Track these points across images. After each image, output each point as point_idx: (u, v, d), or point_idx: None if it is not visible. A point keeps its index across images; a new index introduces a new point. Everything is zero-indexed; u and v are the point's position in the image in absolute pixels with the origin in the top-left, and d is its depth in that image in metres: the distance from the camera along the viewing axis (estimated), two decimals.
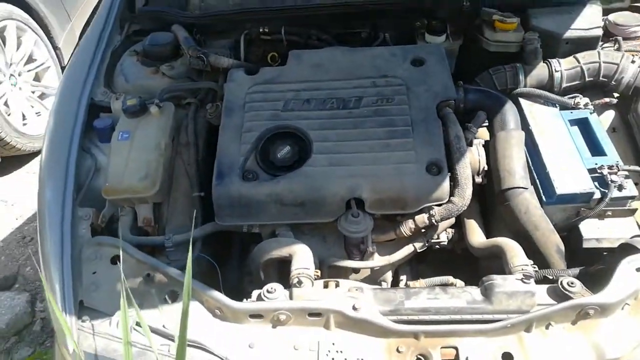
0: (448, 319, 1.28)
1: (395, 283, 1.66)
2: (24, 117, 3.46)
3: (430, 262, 1.73)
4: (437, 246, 1.63)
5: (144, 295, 1.36)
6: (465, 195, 1.45)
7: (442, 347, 1.24)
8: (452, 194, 1.47)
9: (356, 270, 1.58)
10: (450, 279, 1.52)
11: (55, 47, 3.78)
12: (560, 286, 1.28)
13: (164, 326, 1.30)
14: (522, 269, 1.32)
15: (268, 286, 1.33)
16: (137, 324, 1.32)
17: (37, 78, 3.69)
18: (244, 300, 1.34)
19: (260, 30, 1.95)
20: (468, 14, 1.90)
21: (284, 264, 1.52)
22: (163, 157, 1.58)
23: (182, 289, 1.35)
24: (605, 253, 1.46)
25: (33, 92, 3.61)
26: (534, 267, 1.35)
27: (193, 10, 2.03)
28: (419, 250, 1.58)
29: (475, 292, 1.32)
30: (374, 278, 1.61)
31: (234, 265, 1.77)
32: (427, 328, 1.25)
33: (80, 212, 1.51)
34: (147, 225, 1.59)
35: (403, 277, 1.69)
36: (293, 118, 1.59)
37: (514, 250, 1.38)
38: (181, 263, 1.52)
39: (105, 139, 1.69)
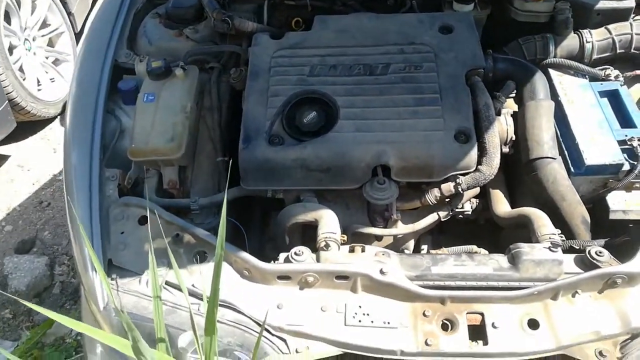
0: (474, 286, 1.29)
1: (416, 252, 1.67)
2: (38, 83, 3.45)
3: (451, 233, 1.73)
4: (461, 216, 1.63)
5: (172, 255, 1.37)
6: (493, 164, 1.44)
7: (467, 313, 1.26)
8: (479, 162, 1.46)
9: (379, 238, 1.59)
10: (474, 248, 1.53)
11: (69, 13, 3.74)
12: (588, 255, 1.28)
13: (193, 285, 1.31)
14: (550, 238, 1.32)
15: (296, 249, 1.34)
16: (167, 283, 1.34)
17: (50, 44, 3.66)
18: (272, 262, 1.35)
19: None
20: None
21: (308, 229, 1.53)
22: (188, 120, 1.58)
23: (210, 250, 1.37)
24: (631, 225, 1.45)
25: (47, 58, 3.59)
26: (561, 237, 1.35)
27: None
28: (442, 219, 1.58)
29: (502, 259, 1.32)
30: (396, 246, 1.61)
31: (255, 231, 1.78)
32: (453, 293, 1.26)
33: (107, 172, 1.51)
34: (172, 187, 1.60)
35: (424, 247, 1.70)
36: (319, 83, 1.58)
37: (541, 220, 1.38)
38: (206, 226, 1.54)
39: (129, 100, 1.68)
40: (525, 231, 1.45)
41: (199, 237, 1.38)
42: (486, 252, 1.51)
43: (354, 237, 1.56)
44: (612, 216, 1.44)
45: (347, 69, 1.61)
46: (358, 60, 1.62)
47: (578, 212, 1.45)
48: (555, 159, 1.45)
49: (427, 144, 1.44)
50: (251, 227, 1.78)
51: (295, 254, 1.33)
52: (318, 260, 1.33)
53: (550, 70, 1.67)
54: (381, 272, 1.27)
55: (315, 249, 1.36)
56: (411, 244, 1.65)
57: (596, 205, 1.50)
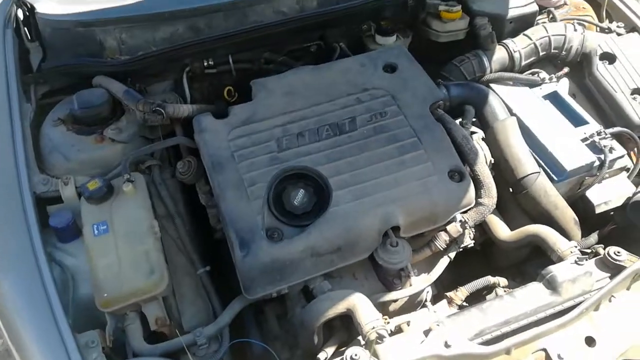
0: (528, 323, 1.28)
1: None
2: None
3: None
4: (461, 248, 1.61)
5: None
6: (492, 194, 1.45)
7: (532, 353, 1.24)
8: (477, 195, 1.45)
9: (395, 300, 1.50)
10: (490, 279, 1.52)
11: None
12: (608, 257, 1.34)
13: None
14: (572, 252, 1.36)
15: (350, 352, 1.19)
16: None
17: None
18: None
19: (205, 64, 1.70)
20: (413, 9, 1.88)
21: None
22: (159, 242, 1.32)
23: None
24: (611, 213, 1.57)
25: None
26: (577, 247, 1.40)
27: (113, 56, 1.70)
28: (452, 259, 1.55)
29: (539, 287, 1.33)
30: (412, 301, 1.54)
31: (254, 336, 1.56)
32: (514, 340, 1.23)
33: (81, 339, 1.19)
34: (161, 326, 1.32)
35: (428, 289, 1.65)
36: (293, 157, 1.43)
37: (552, 236, 1.42)
38: (218, 355, 1.30)
39: (68, 237, 1.36)
40: (524, 249, 1.49)
41: None
42: (504, 280, 1.52)
43: None
44: (598, 210, 1.55)
45: (314, 133, 1.48)
46: (321, 121, 1.51)
47: (569, 216, 1.52)
48: (539, 172, 1.50)
49: (428, 192, 1.39)
50: (246, 329, 1.56)
51: (352, 358, 1.18)
52: (377, 356, 1.19)
53: (493, 86, 1.73)
54: (446, 345, 1.19)
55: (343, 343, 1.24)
56: (425, 292, 1.59)
57: (578, 204, 1.59)
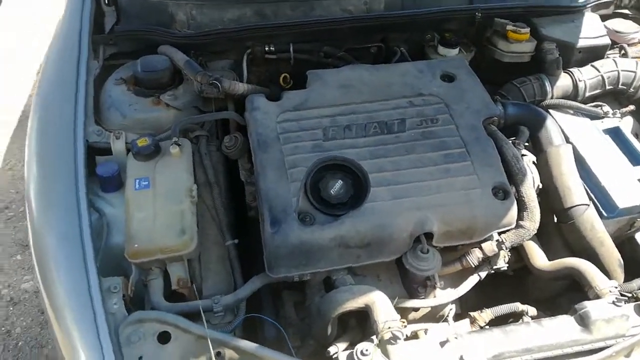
0: (551, 356, 1.21)
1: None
2: None
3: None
4: (493, 270, 1.56)
5: None
6: (535, 218, 1.39)
7: None
8: (519, 217, 1.40)
9: (416, 309, 1.46)
10: (518, 306, 1.46)
11: None
12: None
13: None
14: (611, 292, 1.29)
15: (361, 347, 1.17)
16: None
17: None
18: None
19: (266, 49, 1.74)
20: (479, 25, 1.86)
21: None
22: (195, 205, 1.34)
23: None
24: None
25: None
26: (617, 288, 1.33)
27: (181, 29, 1.76)
28: (482, 279, 1.50)
29: (569, 321, 1.27)
30: (434, 314, 1.50)
31: (268, 316, 1.56)
32: None
33: (105, 283, 1.22)
34: (182, 287, 1.34)
35: (452, 307, 1.60)
36: (337, 147, 1.43)
37: (593, 272, 1.35)
38: (228, 327, 1.31)
39: (111, 188, 1.40)
40: (561, 282, 1.42)
41: (245, 351, 1.15)
42: (534, 310, 1.45)
43: None
44: None
45: (362, 128, 1.48)
46: (370, 117, 1.51)
47: (615, 256, 1.44)
48: (588, 205, 1.44)
49: (469, 204, 1.36)
50: (263, 311, 1.56)
51: (362, 353, 1.16)
52: (387, 356, 1.17)
53: (552, 112, 1.68)
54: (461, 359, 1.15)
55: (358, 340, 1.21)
56: (447, 308, 1.54)
57: (624, 245, 1.51)
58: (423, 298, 1.44)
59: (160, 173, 1.37)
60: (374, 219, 1.32)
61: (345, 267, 1.38)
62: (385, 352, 1.17)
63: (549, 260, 1.49)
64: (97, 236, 1.33)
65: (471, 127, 1.50)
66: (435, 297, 1.45)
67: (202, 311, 1.22)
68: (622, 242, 1.52)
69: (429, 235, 1.36)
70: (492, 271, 1.49)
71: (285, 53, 1.77)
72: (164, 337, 1.18)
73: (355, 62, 1.76)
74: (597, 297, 1.31)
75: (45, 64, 1.65)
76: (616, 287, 1.32)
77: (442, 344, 1.20)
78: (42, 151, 1.42)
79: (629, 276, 1.49)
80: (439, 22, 1.86)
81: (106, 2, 1.81)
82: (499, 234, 1.42)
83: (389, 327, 1.19)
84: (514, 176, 1.42)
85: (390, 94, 1.57)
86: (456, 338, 1.21)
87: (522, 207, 1.41)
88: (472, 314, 1.50)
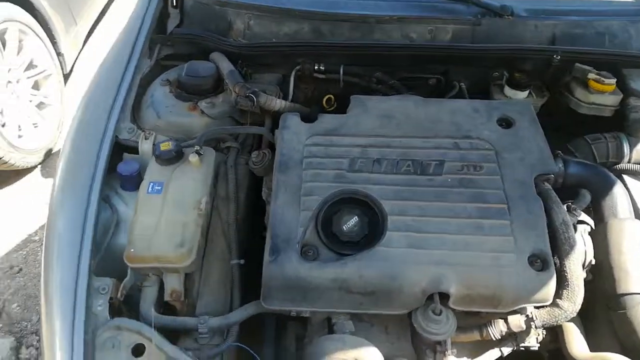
0: None
1: None
2: (19, 129, 3.14)
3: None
4: (519, 347, 1.35)
5: None
6: (576, 300, 1.18)
7: None
8: (557, 294, 1.20)
9: None
10: None
11: (58, 54, 3.47)
12: None
13: None
14: None
15: None
16: None
17: (36, 86, 3.37)
18: None
19: (315, 67, 1.67)
20: (557, 68, 1.65)
21: None
22: (202, 219, 1.30)
23: None
24: None
25: (30, 101, 3.29)
26: None
27: (236, 38, 1.75)
28: (504, 355, 1.30)
29: None
30: None
31: (268, 343, 1.47)
32: None
33: (96, 282, 1.21)
34: (175, 300, 1.29)
35: None
36: (361, 181, 1.32)
37: None
38: (213, 351, 1.24)
39: (130, 187, 1.40)
40: None
41: None
42: None
43: None
44: None
45: (393, 164, 1.35)
46: (406, 154, 1.38)
47: None
48: None
49: (497, 269, 1.18)
50: (264, 342, 1.47)
51: None
52: None
53: (626, 178, 1.44)
54: None
55: None
56: None
57: None
58: None
59: (175, 180, 1.34)
60: (382, 266, 1.18)
61: (347, 311, 1.26)
62: None
63: (591, 350, 1.26)
64: (105, 232, 1.33)
65: (519, 182, 1.31)
66: None
67: (184, 330, 1.16)
68: None
69: (445, 296, 1.20)
70: (518, 348, 1.29)
71: (335, 74, 1.69)
72: (138, 350, 1.14)
73: (405, 92, 1.64)
74: None
75: (102, 61, 1.71)
76: None
77: None
78: (74, 141, 1.45)
79: None
80: (511, 60, 1.68)
81: (173, 4, 1.85)
82: (534, 308, 1.22)
83: None
84: (560, 246, 1.22)
85: (434, 132, 1.43)
86: None
87: (562, 284, 1.20)
88: None
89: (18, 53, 3.15)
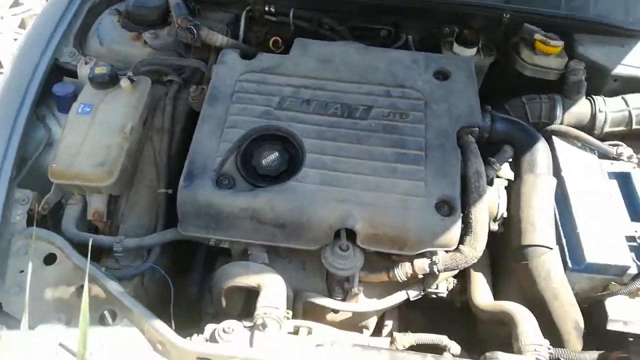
0: None
1: (378, 328, 1.43)
2: (1, 66, 3.15)
3: (421, 308, 1.49)
4: (434, 296, 1.40)
5: (75, 309, 1.12)
6: (477, 246, 1.21)
7: None
8: (461, 240, 1.23)
9: (336, 311, 1.34)
10: (444, 339, 1.28)
11: None
12: None
13: (91, 354, 1.06)
14: (535, 350, 1.09)
15: (225, 324, 1.09)
16: (61, 345, 1.08)
17: (22, 25, 3.36)
18: (195, 335, 1.10)
19: (266, 8, 1.67)
20: (506, 27, 1.65)
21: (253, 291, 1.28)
22: (128, 143, 1.33)
23: (122, 310, 1.12)
24: (631, 339, 1.23)
25: (15, 40, 3.29)
26: (549, 349, 1.12)
27: None
28: (412, 299, 1.34)
29: None
30: (355, 321, 1.37)
31: (196, 275, 1.52)
32: None
33: (17, 193, 1.25)
34: (97, 219, 1.34)
35: (388, 323, 1.46)
36: (287, 119, 1.34)
37: (526, 323, 1.15)
38: (131, 271, 1.30)
39: (65, 108, 1.42)
40: (505, 328, 1.22)
41: (110, 292, 1.12)
42: (458, 347, 1.27)
43: (306, 306, 1.32)
44: (609, 326, 1.22)
45: (322, 106, 1.37)
46: (336, 97, 1.39)
47: (571, 315, 1.22)
48: (551, 248, 1.23)
49: (403, 211, 1.21)
50: (191, 272, 1.52)
51: (224, 330, 1.08)
52: (251, 341, 1.08)
53: (555, 139, 1.45)
54: None
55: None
56: (373, 320, 1.41)
57: (592, 309, 1.27)
58: (340, 299, 1.32)
59: (105, 103, 1.36)
60: (292, 199, 1.21)
61: (263, 243, 1.30)
62: (250, 337, 1.08)
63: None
64: (35, 148, 1.36)
65: (442, 131, 1.33)
66: (357, 302, 1.32)
67: (96, 245, 1.20)
68: (591, 305, 1.27)
69: (353, 235, 1.23)
70: (426, 293, 1.33)
71: (286, 17, 1.69)
72: (50, 259, 1.18)
73: (351, 40, 1.64)
74: (520, 352, 1.11)
75: None
76: (548, 349, 1.12)
77: (318, 346, 1.09)
78: (14, 61, 1.47)
79: (591, 346, 1.25)
80: (461, 15, 1.67)
81: None
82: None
83: (265, 313, 1.10)
84: (469, 194, 1.25)
85: (368, 79, 1.44)
86: (332, 345, 1.08)
87: (466, 230, 1.23)
88: (395, 334, 1.35)
89: None
